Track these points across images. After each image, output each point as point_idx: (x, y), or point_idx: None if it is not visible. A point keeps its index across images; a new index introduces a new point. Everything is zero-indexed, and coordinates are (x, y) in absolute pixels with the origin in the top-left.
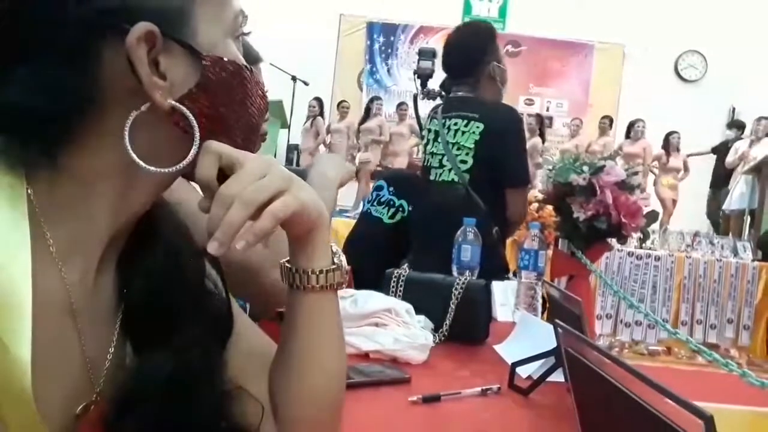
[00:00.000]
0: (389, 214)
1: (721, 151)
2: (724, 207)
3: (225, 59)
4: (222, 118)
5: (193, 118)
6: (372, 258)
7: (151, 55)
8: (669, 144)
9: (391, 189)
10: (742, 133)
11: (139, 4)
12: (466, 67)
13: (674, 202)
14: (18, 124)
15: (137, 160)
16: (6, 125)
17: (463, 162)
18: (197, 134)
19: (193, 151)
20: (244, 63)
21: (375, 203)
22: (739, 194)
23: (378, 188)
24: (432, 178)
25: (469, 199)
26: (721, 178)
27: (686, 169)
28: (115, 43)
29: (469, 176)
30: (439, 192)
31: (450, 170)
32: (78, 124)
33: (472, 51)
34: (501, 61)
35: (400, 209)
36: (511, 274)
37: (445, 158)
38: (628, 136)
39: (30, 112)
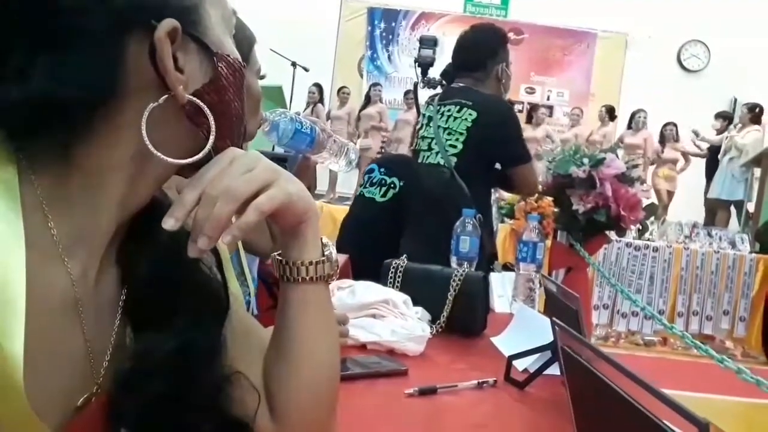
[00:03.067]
0: (381, 192)
1: (713, 144)
2: (708, 195)
3: (231, 57)
4: (228, 113)
5: (209, 112)
6: (368, 239)
7: (172, 51)
8: (664, 136)
9: (382, 169)
10: (729, 124)
11: (164, 2)
12: (477, 61)
13: (670, 193)
14: (38, 116)
15: (154, 150)
16: (24, 117)
17: (453, 146)
18: (213, 128)
19: (209, 144)
20: (242, 61)
21: (367, 185)
22: (720, 184)
23: (369, 171)
24: (420, 161)
25: (453, 183)
26: (713, 170)
27: (687, 159)
28: (140, 37)
29: (457, 161)
30: (425, 174)
31: (437, 153)
32: (96, 116)
33: (485, 47)
34: (509, 66)
35: (392, 186)
36: (497, 264)
37: (434, 142)
38: (629, 126)
39: (54, 103)
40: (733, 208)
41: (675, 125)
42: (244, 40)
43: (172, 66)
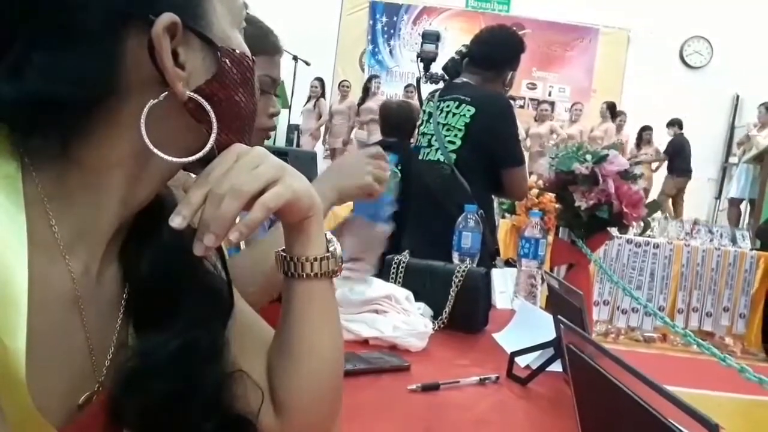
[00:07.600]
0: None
1: (671, 152)
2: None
3: (237, 51)
4: (234, 109)
5: (210, 109)
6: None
7: (172, 46)
8: (641, 139)
9: None
10: (681, 129)
11: None
12: (494, 60)
13: (646, 191)
14: (35, 114)
15: (154, 149)
16: (20, 115)
17: (452, 143)
18: (215, 125)
19: (211, 141)
20: (250, 54)
21: None
22: (743, 183)
23: None
24: (420, 157)
25: (454, 180)
26: (680, 172)
27: (660, 160)
28: (138, 32)
29: (456, 157)
30: (425, 171)
31: (437, 150)
32: (94, 113)
33: (506, 50)
34: (514, 77)
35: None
36: (499, 261)
37: (434, 138)
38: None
39: (50, 101)
40: (744, 206)
41: (651, 129)
42: (269, 47)
43: (171, 62)
